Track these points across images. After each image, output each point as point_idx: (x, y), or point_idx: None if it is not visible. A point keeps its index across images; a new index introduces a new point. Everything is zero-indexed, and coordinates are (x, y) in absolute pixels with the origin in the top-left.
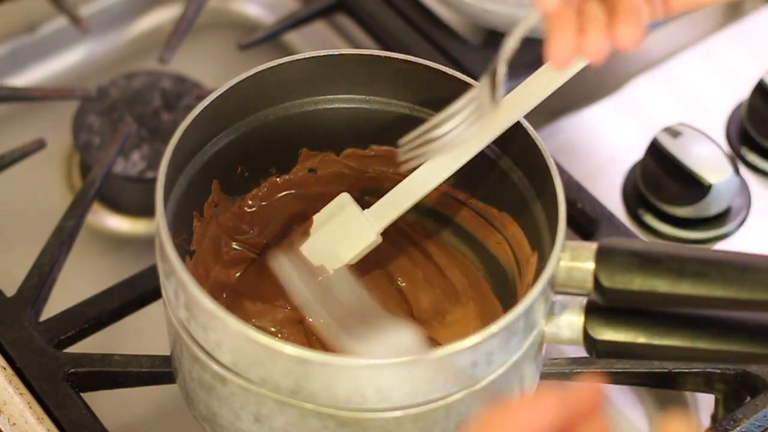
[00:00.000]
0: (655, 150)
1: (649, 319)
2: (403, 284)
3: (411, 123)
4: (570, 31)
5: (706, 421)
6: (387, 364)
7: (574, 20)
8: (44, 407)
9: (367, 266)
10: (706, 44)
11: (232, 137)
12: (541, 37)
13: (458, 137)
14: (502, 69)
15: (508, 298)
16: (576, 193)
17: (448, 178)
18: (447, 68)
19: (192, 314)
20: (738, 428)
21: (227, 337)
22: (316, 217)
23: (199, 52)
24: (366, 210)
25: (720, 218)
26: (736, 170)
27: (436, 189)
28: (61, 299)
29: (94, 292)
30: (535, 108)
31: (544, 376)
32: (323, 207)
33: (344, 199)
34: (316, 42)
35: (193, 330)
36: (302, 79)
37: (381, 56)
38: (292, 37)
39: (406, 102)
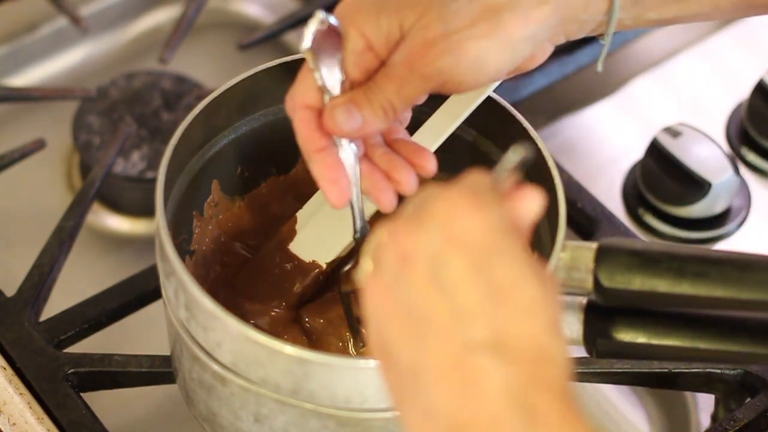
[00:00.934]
0: (655, 150)
1: (649, 319)
2: None
3: (410, 123)
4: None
5: (706, 421)
6: None
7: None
8: (44, 407)
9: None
10: (706, 44)
11: (232, 137)
12: None
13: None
14: None
15: None
16: (576, 193)
17: (447, 178)
18: None
19: (192, 314)
20: (738, 428)
21: (227, 337)
22: (300, 214)
23: (199, 52)
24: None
25: (720, 218)
26: (736, 170)
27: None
28: (61, 299)
29: (94, 292)
30: (535, 108)
31: None
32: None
33: None
34: None
35: (193, 330)
36: None
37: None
38: (292, 37)
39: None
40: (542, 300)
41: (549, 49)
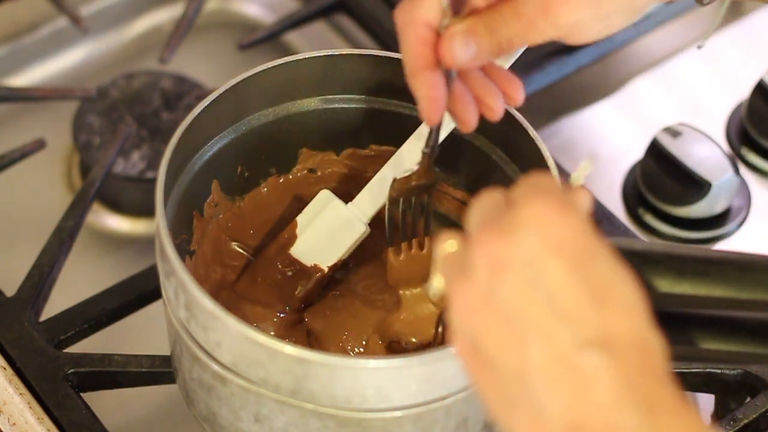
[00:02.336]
0: (655, 150)
1: None
2: None
3: (411, 123)
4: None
5: (706, 421)
6: (387, 364)
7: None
8: (44, 407)
9: (363, 258)
10: (706, 44)
11: (232, 137)
12: None
13: None
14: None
15: None
16: None
17: (448, 178)
18: None
19: (192, 314)
20: (738, 428)
21: (227, 337)
22: (300, 218)
23: (199, 52)
24: (349, 203)
25: (720, 218)
26: (736, 170)
27: (436, 188)
28: (61, 299)
29: (94, 292)
30: (535, 108)
31: None
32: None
33: (325, 195)
34: (316, 42)
35: (193, 330)
36: (302, 79)
37: (381, 56)
38: (292, 37)
39: (406, 102)
40: (639, 298)
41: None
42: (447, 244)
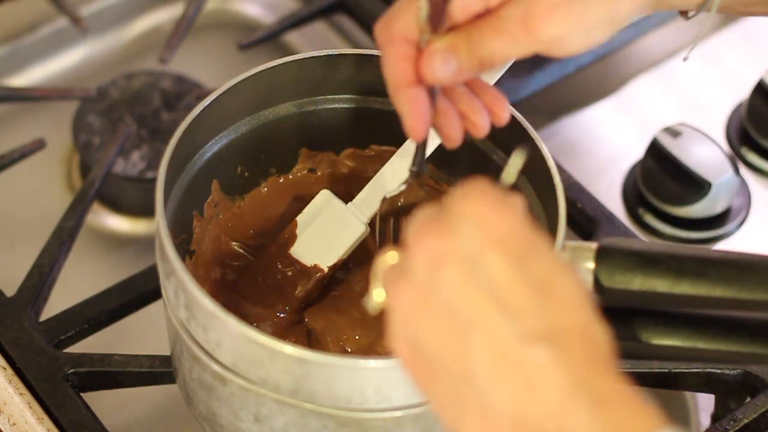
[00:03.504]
0: (655, 150)
1: (649, 319)
2: None
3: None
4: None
5: (706, 421)
6: (387, 365)
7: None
8: (44, 407)
9: (363, 258)
10: (706, 44)
11: (232, 137)
12: None
13: None
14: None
15: None
16: (576, 193)
17: (448, 178)
18: None
19: (192, 314)
20: (738, 428)
21: (227, 337)
22: (300, 218)
23: (199, 52)
24: (349, 203)
25: (720, 218)
26: (736, 170)
27: (435, 188)
28: (61, 299)
29: (94, 292)
30: (535, 108)
31: None
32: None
33: (325, 195)
34: (316, 42)
35: (193, 330)
36: (302, 79)
37: (381, 56)
38: (292, 37)
39: None
40: (582, 292)
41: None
42: (387, 256)
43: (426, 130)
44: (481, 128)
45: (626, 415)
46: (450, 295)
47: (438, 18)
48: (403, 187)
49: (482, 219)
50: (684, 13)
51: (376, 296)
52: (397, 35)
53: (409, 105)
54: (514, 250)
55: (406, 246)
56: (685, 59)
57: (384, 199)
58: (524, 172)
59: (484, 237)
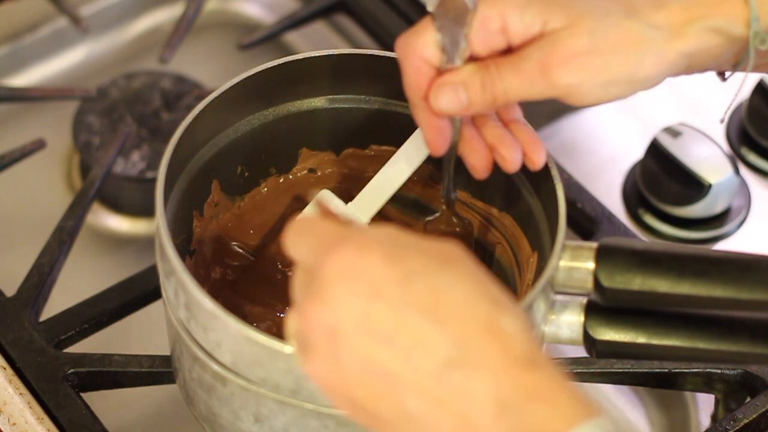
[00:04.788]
0: (655, 150)
1: (649, 319)
2: None
3: (411, 123)
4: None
5: (706, 421)
6: None
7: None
8: (44, 407)
9: None
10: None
11: (232, 137)
12: None
13: None
14: None
15: None
16: (576, 193)
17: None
18: None
19: (192, 314)
20: (738, 428)
21: (227, 337)
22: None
23: (199, 52)
24: (349, 203)
25: (720, 218)
26: (736, 170)
27: (435, 189)
28: (61, 299)
29: (94, 292)
30: (535, 108)
31: None
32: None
33: (325, 195)
34: (316, 42)
35: (193, 330)
36: (302, 79)
37: (381, 56)
38: (292, 37)
39: (407, 102)
40: (468, 287)
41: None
42: (290, 325)
43: (445, 146)
44: (512, 163)
45: (552, 408)
46: (357, 359)
47: (456, 46)
48: (437, 215)
49: (348, 274)
50: (721, 74)
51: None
52: (414, 53)
53: (428, 118)
54: (390, 290)
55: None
56: (721, 121)
57: (426, 223)
58: (524, 172)
59: (359, 293)
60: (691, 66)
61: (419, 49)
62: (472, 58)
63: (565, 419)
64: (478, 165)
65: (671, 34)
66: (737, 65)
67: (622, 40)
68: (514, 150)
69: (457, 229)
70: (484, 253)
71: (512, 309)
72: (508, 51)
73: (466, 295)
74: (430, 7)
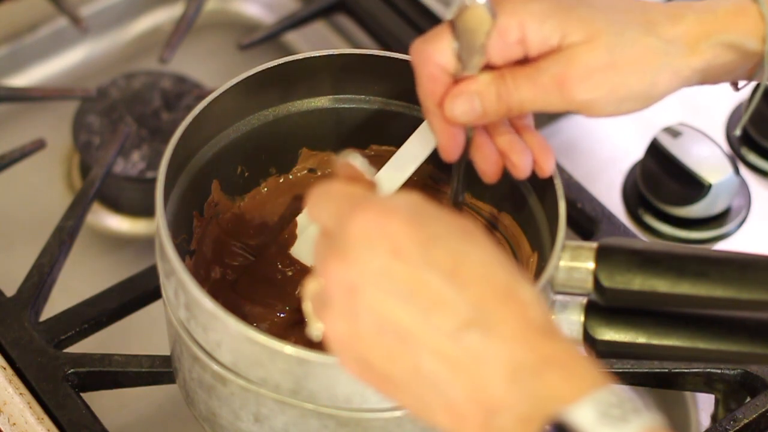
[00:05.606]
0: (655, 150)
1: (649, 319)
2: None
3: (411, 122)
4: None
5: (706, 421)
6: None
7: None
8: (44, 407)
9: None
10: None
11: (232, 137)
12: None
13: None
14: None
15: None
16: (576, 193)
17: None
18: None
19: (192, 314)
20: (738, 428)
21: (227, 337)
22: (300, 218)
23: (199, 52)
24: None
25: (720, 218)
26: (736, 170)
27: (435, 189)
28: (61, 299)
29: (94, 292)
30: None
31: None
32: None
33: (351, 155)
34: (316, 42)
35: (193, 330)
36: (302, 79)
37: (381, 56)
38: (292, 37)
39: (406, 102)
40: (490, 255)
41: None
42: (309, 287)
43: (457, 152)
44: (522, 169)
45: (565, 376)
46: (375, 316)
47: (472, 55)
48: None
49: (369, 235)
50: (734, 84)
51: (315, 330)
52: (430, 60)
53: (441, 126)
54: (411, 250)
55: (319, 277)
56: (736, 134)
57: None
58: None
59: (381, 251)
60: (705, 79)
61: (435, 55)
62: (488, 67)
63: (578, 387)
64: (488, 170)
65: (687, 50)
66: (751, 78)
67: (640, 56)
68: (525, 157)
69: None
70: None
71: (528, 280)
72: (524, 61)
73: (486, 262)
74: (449, 15)
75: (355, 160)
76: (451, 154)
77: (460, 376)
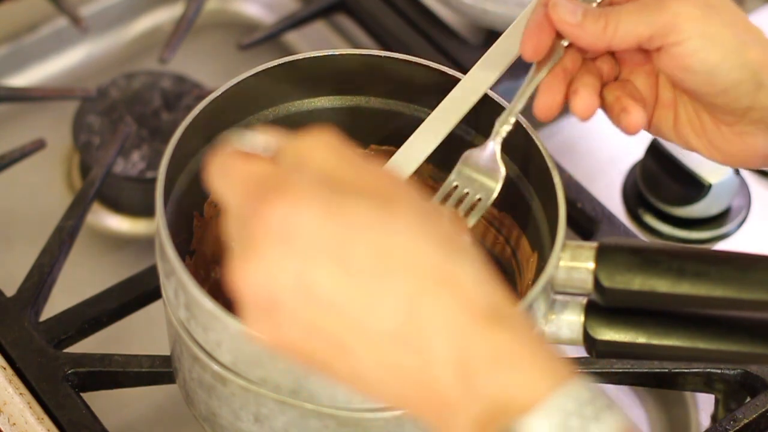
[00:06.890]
0: (655, 150)
1: (649, 319)
2: None
3: (411, 123)
4: (560, 93)
5: (706, 421)
6: None
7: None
8: (44, 407)
9: None
10: None
11: None
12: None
13: None
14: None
15: None
16: (576, 193)
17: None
18: (447, 68)
19: (192, 314)
20: (738, 428)
21: (227, 337)
22: None
23: (199, 52)
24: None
25: (720, 218)
26: (736, 170)
27: (435, 189)
28: (61, 299)
29: (94, 292)
30: None
31: None
32: None
33: (236, 136)
34: (316, 42)
35: (193, 330)
36: (302, 79)
37: (381, 56)
38: (292, 37)
39: (406, 102)
40: (413, 233)
41: None
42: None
43: (537, 52)
44: (635, 124)
45: (505, 381)
46: (300, 327)
47: None
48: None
49: (281, 234)
50: None
51: None
52: None
53: (533, 20)
54: (328, 250)
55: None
56: None
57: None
58: (524, 172)
59: (295, 254)
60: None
61: None
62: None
63: (536, 388)
64: (544, 106)
65: None
66: None
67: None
68: (638, 110)
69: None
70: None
71: (468, 253)
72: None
73: (413, 244)
74: None
75: (242, 140)
76: (529, 49)
77: (408, 383)
